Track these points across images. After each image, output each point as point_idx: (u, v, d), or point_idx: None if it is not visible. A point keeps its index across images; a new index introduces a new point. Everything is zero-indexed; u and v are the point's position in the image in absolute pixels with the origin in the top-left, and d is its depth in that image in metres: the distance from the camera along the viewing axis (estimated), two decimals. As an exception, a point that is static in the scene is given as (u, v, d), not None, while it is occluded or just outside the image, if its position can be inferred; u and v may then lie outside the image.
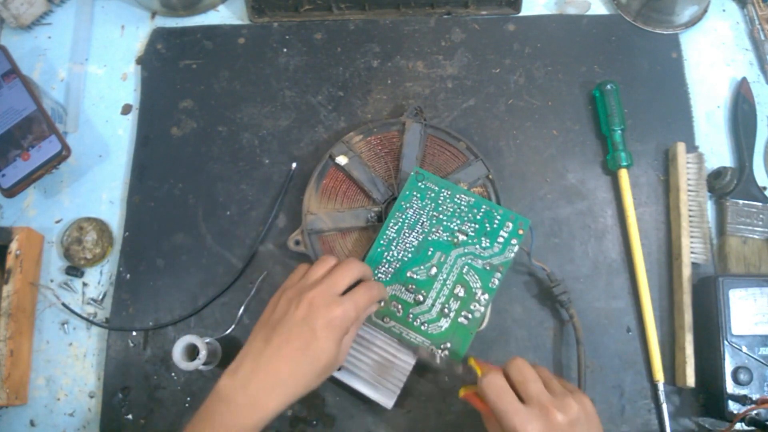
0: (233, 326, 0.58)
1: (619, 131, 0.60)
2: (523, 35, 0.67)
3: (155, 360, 0.57)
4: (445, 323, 0.53)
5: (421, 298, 0.54)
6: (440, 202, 0.56)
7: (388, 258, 0.55)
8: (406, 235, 0.55)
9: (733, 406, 0.52)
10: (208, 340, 0.55)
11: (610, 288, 0.58)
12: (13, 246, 0.58)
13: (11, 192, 0.59)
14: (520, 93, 0.65)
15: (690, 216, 0.58)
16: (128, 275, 0.60)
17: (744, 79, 0.64)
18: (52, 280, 0.61)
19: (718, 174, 0.60)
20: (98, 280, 0.61)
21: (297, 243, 0.58)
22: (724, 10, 0.69)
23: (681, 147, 0.60)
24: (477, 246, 0.55)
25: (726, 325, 0.53)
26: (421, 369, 0.55)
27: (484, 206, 0.55)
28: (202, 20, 0.69)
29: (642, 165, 0.62)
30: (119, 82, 0.67)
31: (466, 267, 0.54)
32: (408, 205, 0.56)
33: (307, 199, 0.59)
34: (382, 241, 0.55)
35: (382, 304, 0.53)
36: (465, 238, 0.55)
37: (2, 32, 0.70)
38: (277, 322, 0.46)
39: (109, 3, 0.71)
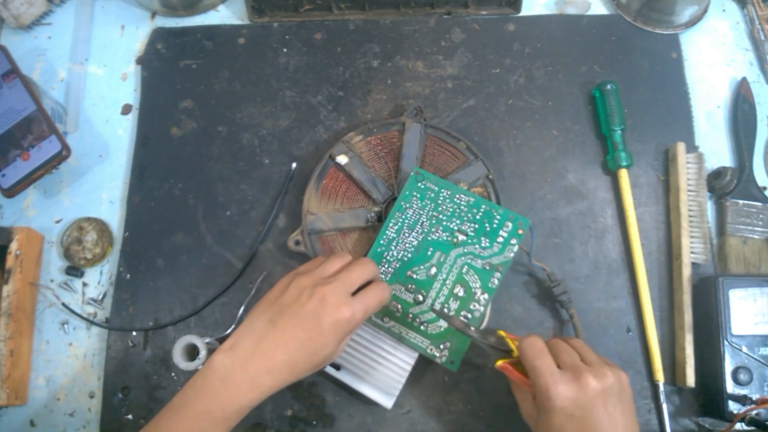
0: (233, 326, 0.58)
1: (619, 131, 0.60)
2: (523, 35, 0.67)
3: (155, 360, 0.57)
4: (444, 323, 0.53)
5: (421, 298, 0.54)
6: (440, 202, 0.56)
7: (388, 258, 0.55)
8: (406, 235, 0.55)
9: (733, 406, 0.52)
10: (208, 340, 0.55)
11: (610, 288, 0.58)
12: (13, 246, 0.58)
13: (11, 192, 0.59)
14: (520, 93, 0.65)
15: (690, 216, 0.58)
16: (128, 275, 0.60)
17: (744, 79, 0.64)
18: (52, 280, 0.61)
19: (718, 174, 0.60)
20: (98, 280, 0.61)
21: (297, 243, 0.58)
22: (724, 10, 0.69)
23: (681, 147, 0.60)
24: (476, 246, 0.55)
25: (726, 325, 0.53)
26: (421, 369, 0.55)
27: (483, 206, 0.56)
28: (202, 20, 0.69)
29: (642, 165, 0.62)
30: (119, 82, 0.67)
31: (466, 267, 0.54)
32: (408, 205, 0.56)
33: (307, 199, 0.59)
34: (381, 241, 0.55)
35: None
36: (465, 238, 0.55)
37: (2, 32, 0.70)
38: (286, 306, 0.46)
39: (109, 3, 0.71)
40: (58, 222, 0.62)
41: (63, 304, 0.59)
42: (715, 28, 0.68)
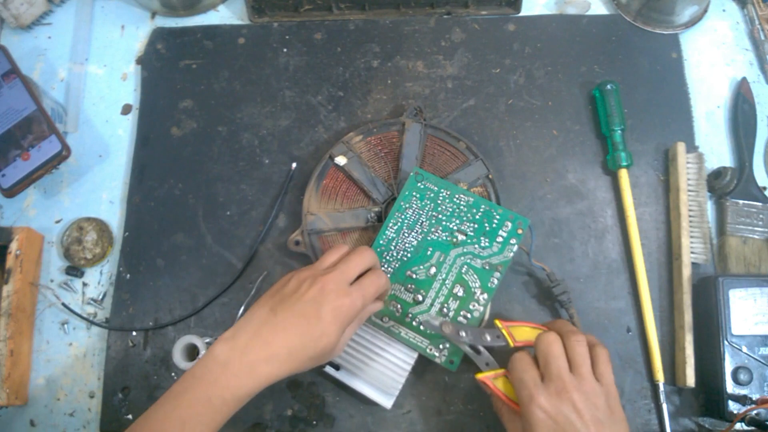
0: (233, 326, 0.58)
1: (619, 131, 0.60)
2: (523, 35, 0.67)
3: (155, 360, 0.57)
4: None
5: (420, 298, 0.54)
6: (439, 202, 0.56)
7: (388, 258, 0.55)
8: (406, 235, 0.55)
9: (733, 406, 0.52)
10: (208, 340, 0.55)
11: (610, 288, 0.58)
12: (13, 246, 0.58)
13: (11, 192, 0.59)
14: (520, 93, 0.65)
15: (690, 216, 0.58)
16: (128, 275, 0.60)
17: (744, 79, 0.64)
18: (52, 280, 0.61)
19: (718, 174, 0.60)
20: (98, 280, 0.61)
21: (297, 243, 0.58)
22: (724, 10, 0.69)
23: (681, 147, 0.60)
24: (476, 246, 0.55)
25: (726, 325, 0.53)
26: (421, 369, 0.55)
27: (483, 206, 0.56)
28: (202, 20, 0.69)
29: (642, 165, 0.62)
30: (119, 82, 0.67)
31: (465, 267, 0.54)
32: (407, 205, 0.56)
33: (307, 200, 0.59)
34: (381, 241, 0.55)
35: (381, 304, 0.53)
36: (464, 237, 0.55)
37: (2, 32, 0.70)
38: (287, 296, 0.46)
39: (109, 3, 0.71)
40: (58, 222, 0.62)
41: (63, 304, 0.59)
42: (715, 28, 0.68)
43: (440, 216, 0.56)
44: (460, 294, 0.54)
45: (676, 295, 0.57)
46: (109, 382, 0.57)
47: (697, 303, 0.56)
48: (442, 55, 0.66)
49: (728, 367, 0.52)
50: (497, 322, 0.50)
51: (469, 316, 0.53)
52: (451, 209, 0.56)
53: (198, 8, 0.69)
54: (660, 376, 0.55)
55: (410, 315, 0.53)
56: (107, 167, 0.64)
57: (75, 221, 0.61)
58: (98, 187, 0.64)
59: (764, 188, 0.61)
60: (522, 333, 0.50)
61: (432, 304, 0.54)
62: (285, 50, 0.67)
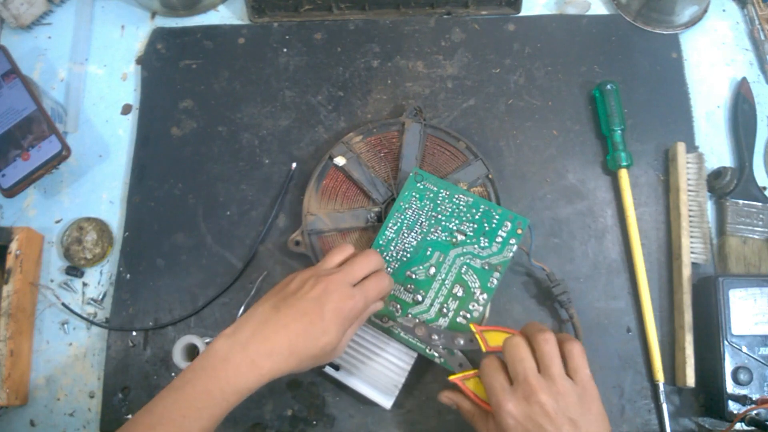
0: (233, 326, 0.58)
1: (619, 131, 0.60)
2: (523, 35, 0.67)
3: (155, 360, 0.57)
4: (443, 323, 0.53)
5: (420, 298, 0.54)
6: (439, 202, 0.56)
7: (387, 258, 0.55)
8: (405, 235, 0.55)
9: (733, 406, 0.52)
10: (207, 340, 0.55)
11: (610, 288, 0.58)
12: (13, 246, 0.58)
13: (11, 192, 0.59)
14: (520, 93, 0.65)
15: (690, 216, 0.58)
16: (128, 275, 0.60)
17: (744, 79, 0.64)
18: (52, 280, 0.61)
19: (718, 174, 0.60)
20: (98, 280, 0.61)
21: (297, 243, 0.58)
22: (724, 10, 0.69)
23: (681, 147, 0.60)
24: (476, 246, 0.55)
25: (726, 325, 0.53)
26: (421, 369, 0.55)
27: (482, 206, 0.55)
28: (202, 20, 0.69)
29: (642, 165, 0.62)
30: (119, 82, 0.67)
31: (465, 267, 0.54)
32: (407, 205, 0.56)
33: (307, 200, 0.59)
34: (381, 242, 0.55)
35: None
36: (464, 237, 0.55)
37: (2, 32, 0.70)
38: (290, 294, 0.46)
39: (109, 3, 0.71)
40: (58, 222, 0.62)
41: (63, 304, 0.59)
42: (715, 28, 0.68)
43: (440, 216, 0.56)
44: (460, 294, 0.54)
45: (676, 295, 0.57)
46: (109, 382, 0.57)
47: (697, 303, 0.56)
48: (442, 55, 0.66)
49: (728, 367, 0.52)
50: (472, 327, 0.50)
51: (468, 316, 0.53)
52: (450, 209, 0.56)
53: (198, 8, 0.69)
54: (660, 376, 0.55)
55: (410, 315, 0.53)
56: (107, 167, 0.64)
57: (75, 221, 0.61)
58: (98, 187, 0.64)
59: (764, 188, 0.61)
60: (495, 338, 0.49)
61: (431, 305, 0.54)
62: (285, 50, 0.67)
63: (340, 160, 0.60)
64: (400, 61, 0.66)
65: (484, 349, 0.49)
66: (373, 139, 0.61)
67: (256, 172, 0.63)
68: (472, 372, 0.49)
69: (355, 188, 0.60)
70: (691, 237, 0.58)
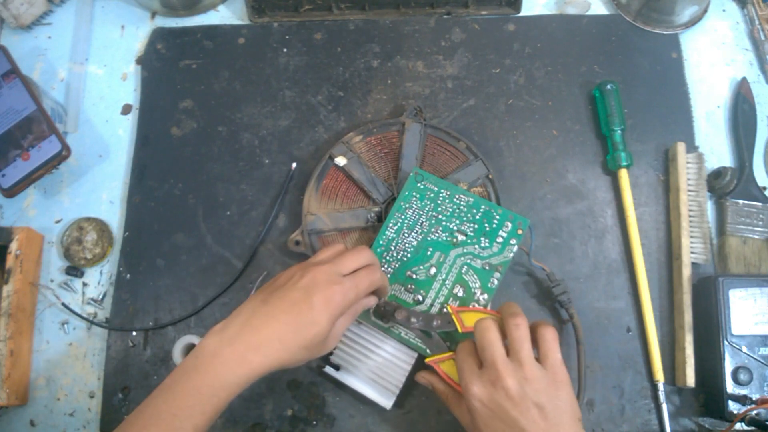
0: (233, 326, 0.58)
1: (619, 131, 0.60)
2: (523, 35, 0.67)
3: (155, 360, 0.57)
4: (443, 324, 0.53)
5: (420, 298, 0.54)
6: (439, 202, 0.56)
7: (388, 258, 0.55)
8: (406, 235, 0.55)
9: (733, 406, 0.52)
10: (207, 340, 0.55)
11: (610, 288, 0.58)
12: (13, 246, 0.58)
13: (11, 192, 0.59)
14: (520, 93, 0.65)
15: (690, 216, 0.58)
16: (128, 275, 0.60)
17: (744, 79, 0.64)
18: (52, 280, 0.61)
19: (718, 174, 0.60)
20: (98, 280, 0.61)
21: (297, 243, 0.58)
22: (724, 10, 0.69)
23: (681, 147, 0.60)
24: (476, 246, 0.55)
25: (726, 325, 0.53)
26: (421, 369, 0.55)
27: (483, 206, 0.56)
28: (202, 20, 0.69)
29: (642, 165, 0.62)
30: (119, 82, 0.67)
31: (465, 267, 0.54)
32: (407, 205, 0.56)
33: (307, 200, 0.59)
34: (381, 242, 0.55)
35: (382, 300, 0.53)
36: (464, 238, 0.55)
37: (2, 32, 0.70)
38: (278, 287, 0.46)
39: (109, 3, 0.71)
40: (58, 222, 0.62)
41: (63, 304, 0.59)
42: (715, 28, 0.68)
43: (440, 216, 0.56)
44: (460, 294, 0.54)
45: (676, 295, 0.57)
46: (109, 382, 0.57)
47: (697, 303, 0.56)
48: (442, 55, 0.66)
49: (728, 367, 0.52)
50: (449, 307, 0.51)
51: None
52: (451, 209, 0.56)
53: (198, 8, 0.69)
54: (660, 376, 0.55)
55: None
56: (107, 167, 0.64)
57: (75, 221, 0.61)
58: (98, 187, 0.64)
59: (764, 188, 0.61)
60: (472, 319, 0.50)
61: (432, 305, 0.54)
62: (285, 50, 0.67)
63: (340, 160, 0.60)
64: (400, 61, 0.66)
65: (460, 330, 0.50)
66: (373, 139, 0.61)
67: (256, 172, 0.63)
68: (447, 354, 0.50)
69: (355, 188, 0.60)
70: (691, 237, 0.58)
